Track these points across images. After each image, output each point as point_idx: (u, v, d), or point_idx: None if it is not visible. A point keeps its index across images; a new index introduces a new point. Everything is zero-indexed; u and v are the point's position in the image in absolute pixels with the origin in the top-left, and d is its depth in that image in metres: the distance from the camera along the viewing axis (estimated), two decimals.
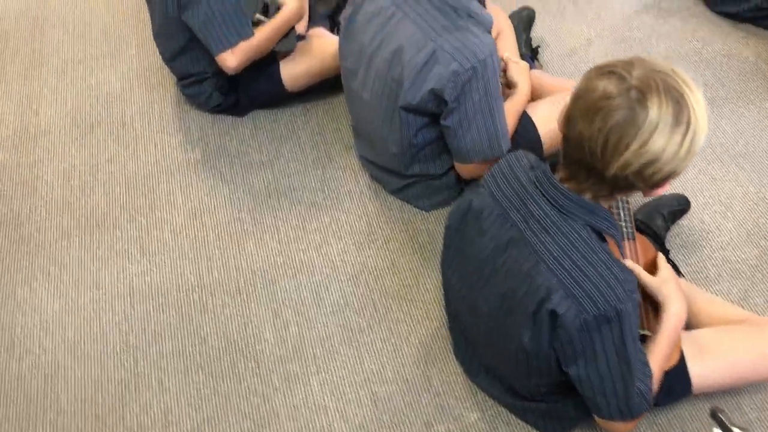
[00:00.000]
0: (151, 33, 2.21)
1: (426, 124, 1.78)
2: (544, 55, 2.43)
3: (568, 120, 1.21)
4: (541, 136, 1.91)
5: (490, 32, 1.70)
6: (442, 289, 1.82)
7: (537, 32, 2.50)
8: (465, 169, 1.86)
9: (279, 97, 2.27)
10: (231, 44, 1.97)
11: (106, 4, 2.71)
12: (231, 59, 1.99)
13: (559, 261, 1.26)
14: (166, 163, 2.19)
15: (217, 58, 2.01)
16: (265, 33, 2.03)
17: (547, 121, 1.91)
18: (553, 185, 1.28)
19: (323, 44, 2.19)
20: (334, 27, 2.50)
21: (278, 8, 2.09)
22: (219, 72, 2.13)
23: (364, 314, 1.84)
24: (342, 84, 2.24)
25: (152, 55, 2.50)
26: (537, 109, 1.93)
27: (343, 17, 1.89)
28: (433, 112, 1.73)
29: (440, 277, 1.90)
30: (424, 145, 1.84)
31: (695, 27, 2.50)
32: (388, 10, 1.72)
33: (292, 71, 2.19)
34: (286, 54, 2.18)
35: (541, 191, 1.30)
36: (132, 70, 2.46)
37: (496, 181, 1.40)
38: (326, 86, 2.30)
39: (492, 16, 1.71)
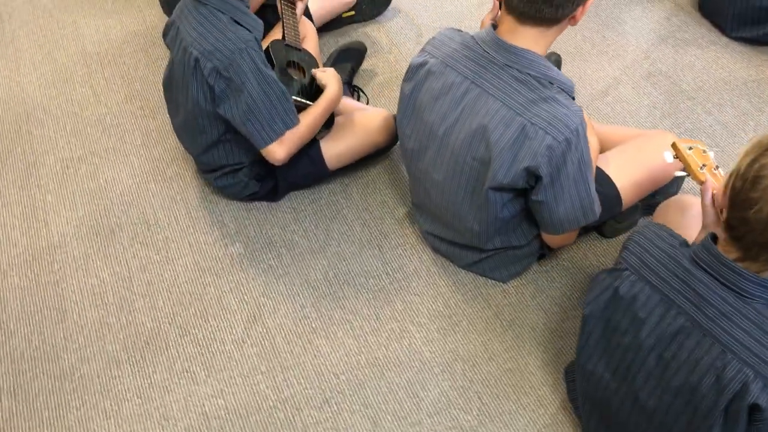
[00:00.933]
0: (162, 122, 2.02)
1: (512, 198, 1.67)
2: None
3: (747, 202, 1.11)
4: (620, 191, 1.82)
5: (573, 96, 1.61)
6: (563, 372, 1.70)
7: None
8: (554, 240, 1.75)
9: (320, 178, 2.11)
10: (278, 135, 1.82)
11: (94, 94, 2.49)
12: (279, 151, 1.83)
13: (749, 349, 1.15)
14: (206, 263, 2.00)
15: (262, 151, 1.85)
16: (311, 119, 1.88)
17: (623, 174, 1.82)
18: (729, 267, 1.17)
19: (366, 118, 2.05)
20: (352, 93, 2.38)
21: (316, 86, 1.96)
22: (257, 160, 1.97)
23: (471, 410, 1.69)
24: (378, 152, 2.14)
25: (161, 145, 2.30)
26: (609, 163, 1.84)
27: (402, 94, 1.76)
28: (524, 187, 1.61)
29: (541, 356, 1.77)
30: (510, 218, 1.72)
31: (716, 55, 2.48)
32: (461, 86, 1.61)
33: (335, 150, 2.04)
34: (326, 132, 2.04)
35: (709, 272, 1.20)
36: (142, 163, 2.26)
37: (645, 263, 1.29)
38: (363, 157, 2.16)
39: (571, 81, 1.62)
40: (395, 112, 2.31)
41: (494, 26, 1.89)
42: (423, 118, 1.69)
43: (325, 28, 2.58)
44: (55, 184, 2.21)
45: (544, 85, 1.55)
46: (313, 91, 1.98)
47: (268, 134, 1.81)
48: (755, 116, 2.28)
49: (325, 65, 2.41)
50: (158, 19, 2.75)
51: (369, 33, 2.66)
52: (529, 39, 1.54)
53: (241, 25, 1.79)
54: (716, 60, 2.46)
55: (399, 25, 2.69)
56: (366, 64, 2.51)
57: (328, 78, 1.96)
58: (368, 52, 2.54)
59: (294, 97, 1.92)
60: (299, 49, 2.07)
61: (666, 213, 1.73)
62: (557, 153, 1.53)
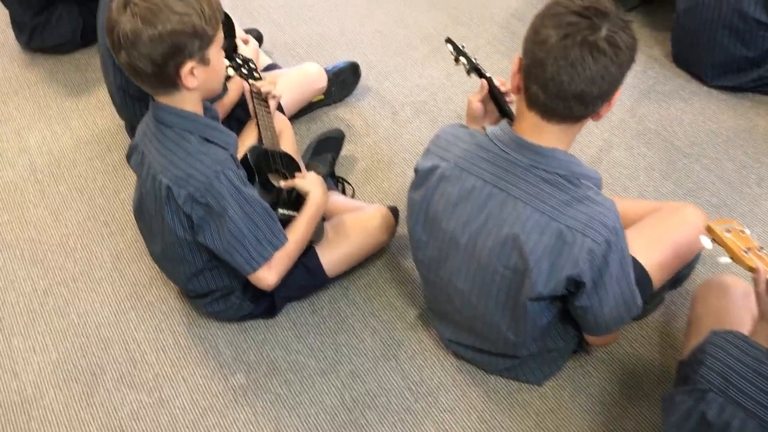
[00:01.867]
0: (133, 238, 1.82)
1: (549, 303, 1.53)
2: None
3: None
4: (649, 273, 1.70)
5: (600, 187, 1.49)
6: None
7: None
8: (598, 340, 1.62)
9: (319, 287, 1.94)
10: (266, 259, 1.64)
11: (51, 213, 2.27)
12: (269, 276, 1.66)
13: None
14: (207, 401, 1.79)
15: (250, 278, 1.67)
16: (298, 233, 1.72)
17: (650, 255, 1.70)
18: None
19: (363, 219, 1.90)
20: (337, 185, 2.23)
21: (298, 193, 1.80)
22: (249, 282, 1.78)
23: None
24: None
25: (135, 265, 2.09)
26: (633, 244, 1.71)
27: (412, 202, 1.61)
28: (564, 294, 1.48)
29: None
30: (547, 323, 1.58)
31: (701, 106, 2.43)
32: (482, 191, 1.47)
33: (333, 256, 1.87)
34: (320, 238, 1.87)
35: None
36: (117, 289, 2.04)
37: (730, 382, 1.16)
38: None
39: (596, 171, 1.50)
40: (387, 204, 2.18)
41: (499, 111, 1.79)
42: (441, 226, 1.55)
43: (294, 115, 2.43)
44: (21, 326, 1.97)
45: (574, 183, 1.42)
46: (297, 198, 1.82)
47: (255, 260, 1.63)
48: (755, 168, 2.22)
49: (303, 157, 2.25)
50: (110, 120, 2.55)
51: (341, 116, 2.52)
52: (553, 137, 1.42)
53: (213, 143, 1.62)
54: (702, 111, 2.41)
55: (371, 104, 2.56)
56: (344, 151, 2.36)
57: (310, 184, 1.80)
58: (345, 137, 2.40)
59: (280, 210, 1.75)
60: (278, 153, 1.91)
61: (706, 297, 1.62)
62: (598, 256, 1.40)
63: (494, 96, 1.78)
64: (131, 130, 2.34)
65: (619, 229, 1.42)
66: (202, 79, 1.54)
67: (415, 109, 2.52)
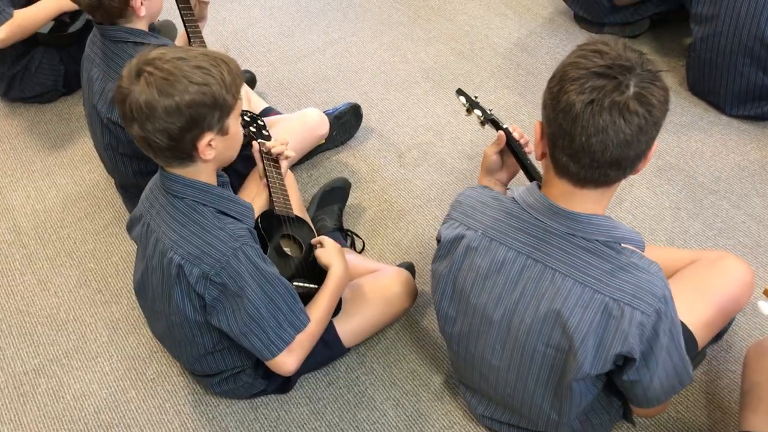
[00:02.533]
0: (129, 306, 1.68)
1: (595, 378, 1.40)
2: None
3: None
4: (693, 334, 1.58)
5: (643, 249, 1.37)
6: None
7: None
8: (648, 412, 1.49)
9: (336, 359, 1.80)
10: (287, 343, 1.50)
11: (39, 282, 2.11)
12: (289, 362, 1.52)
13: None
14: None
15: (269, 364, 1.53)
16: (321, 312, 1.59)
17: (694, 314, 1.58)
18: None
19: (382, 286, 1.76)
20: (346, 238, 2.09)
21: (313, 258, 1.66)
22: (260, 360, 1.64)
23: None
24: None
25: (133, 337, 1.94)
26: (676, 303, 1.60)
27: (437, 275, 1.47)
28: (611, 370, 1.35)
29: None
30: (592, 399, 1.45)
31: (722, 137, 2.32)
32: (515, 263, 1.34)
33: (351, 326, 1.73)
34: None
35: None
36: (115, 366, 1.89)
37: None
38: None
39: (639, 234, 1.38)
40: (401, 258, 2.05)
41: (519, 163, 1.67)
42: (470, 301, 1.41)
43: (296, 162, 2.29)
44: (11, 412, 1.81)
45: (615, 249, 1.30)
46: (314, 266, 1.68)
47: (275, 344, 1.49)
48: None
49: (308, 209, 2.11)
50: (98, 175, 2.40)
51: (344, 161, 2.38)
52: (590, 201, 1.29)
53: (229, 216, 1.48)
54: (724, 143, 2.30)
55: (375, 146, 2.42)
56: (350, 198, 2.22)
57: (330, 255, 1.66)
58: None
59: (295, 283, 1.61)
60: (291, 218, 1.77)
61: (759, 360, 1.50)
62: (648, 328, 1.27)
63: (512, 148, 1.66)
64: (121, 187, 2.20)
65: (668, 297, 1.30)
66: (219, 149, 1.42)
67: (421, 151, 2.38)
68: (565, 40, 2.74)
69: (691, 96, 2.46)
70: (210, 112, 1.36)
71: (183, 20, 2.08)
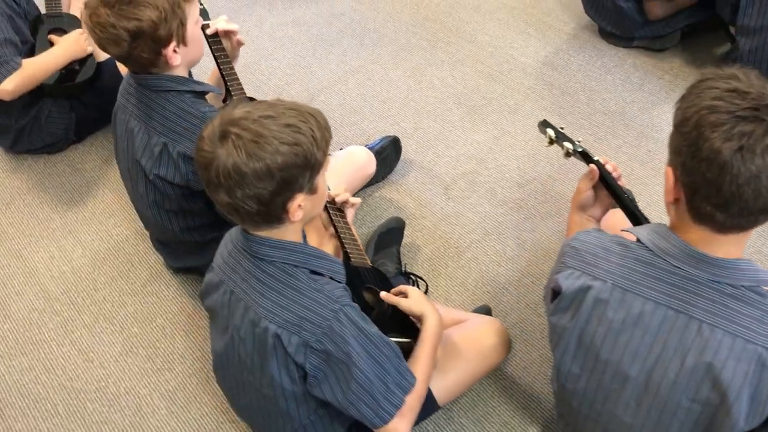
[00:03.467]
0: (188, 371, 1.54)
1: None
2: None
3: None
4: None
5: None
6: None
7: None
8: None
9: (426, 418, 1.68)
10: (397, 407, 1.38)
11: (80, 352, 1.95)
12: (400, 426, 1.40)
13: None
14: None
15: (380, 431, 1.41)
16: (424, 368, 1.47)
17: None
18: None
19: (475, 338, 1.65)
20: (408, 281, 1.98)
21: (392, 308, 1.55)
22: (355, 422, 1.51)
23: None
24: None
25: (194, 406, 1.79)
26: None
27: (558, 329, 1.37)
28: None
29: None
30: None
31: None
32: (654, 316, 1.24)
33: (445, 382, 1.61)
34: None
35: None
36: None
37: None
38: None
39: None
40: (473, 300, 1.95)
41: (614, 197, 1.58)
42: (600, 356, 1.31)
43: None
44: None
45: (762, 294, 1.21)
46: (402, 318, 1.57)
47: (385, 410, 1.37)
48: None
49: (365, 253, 2.00)
50: (126, 228, 2.25)
51: (388, 197, 2.27)
52: (732, 245, 1.21)
53: (323, 275, 1.37)
54: None
55: (417, 179, 2.32)
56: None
57: (420, 305, 1.54)
58: None
59: (389, 338, 1.50)
60: (369, 270, 1.66)
61: None
62: None
63: (607, 182, 1.58)
64: (160, 243, 2.05)
65: None
66: (307, 208, 1.32)
67: (468, 182, 2.29)
68: (594, 57, 2.68)
69: None
70: (302, 172, 1.26)
71: (216, 61, 1.95)
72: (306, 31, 2.97)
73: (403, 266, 2.02)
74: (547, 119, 1.68)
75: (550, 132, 1.65)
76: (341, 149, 2.17)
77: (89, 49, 2.36)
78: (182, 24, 1.66)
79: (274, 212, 1.29)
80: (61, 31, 2.38)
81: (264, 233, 1.34)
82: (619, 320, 1.28)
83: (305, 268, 1.35)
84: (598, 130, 2.41)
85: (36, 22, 2.37)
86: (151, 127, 1.74)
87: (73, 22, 2.43)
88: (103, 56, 2.46)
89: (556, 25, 2.86)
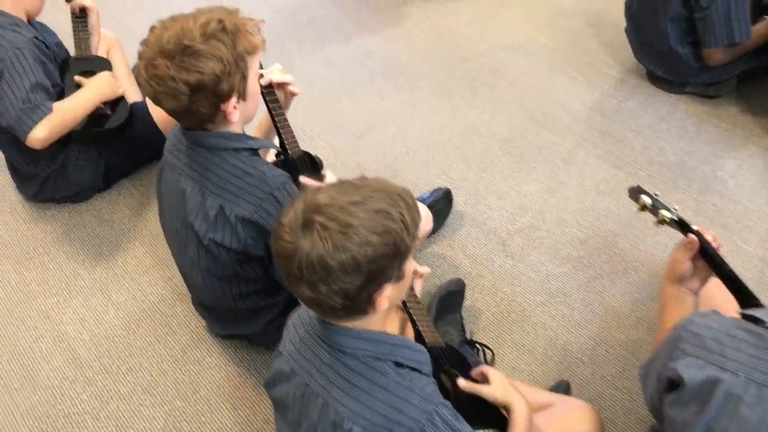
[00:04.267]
0: None
1: None
2: None
3: None
4: None
5: None
6: None
7: None
8: None
9: None
10: None
11: (123, 429, 1.79)
12: None
13: None
14: None
15: None
16: None
17: None
18: None
19: (566, 424, 1.51)
20: (474, 350, 1.84)
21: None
22: None
23: None
24: None
25: None
26: None
27: (680, 423, 1.24)
28: None
29: None
30: None
31: None
32: None
33: None
34: None
35: None
36: None
37: None
38: None
39: None
40: (535, 372, 1.82)
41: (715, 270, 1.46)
42: None
43: None
44: None
45: None
46: (482, 404, 1.43)
47: None
48: None
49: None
50: (162, 288, 2.10)
51: (441, 253, 2.14)
52: None
53: (408, 367, 1.24)
54: None
55: (471, 234, 2.19)
56: None
57: (507, 392, 1.41)
58: None
59: None
60: (444, 350, 1.53)
61: None
62: None
63: (707, 253, 1.46)
64: (204, 307, 1.90)
65: None
66: (394, 297, 1.18)
67: (526, 237, 2.16)
68: (645, 103, 2.58)
69: None
70: (391, 263, 1.13)
71: (270, 113, 1.82)
72: (339, 70, 2.85)
73: (468, 333, 1.88)
74: (641, 185, 1.57)
75: (646, 199, 1.53)
76: None
77: (120, 91, 2.23)
78: (244, 78, 1.53)
79: (360, 306, 1.15)
80: (91, 74, 2.24)
81: (346, 323, 1.20)
82: (755, 420, 1.15)
83: (389, 360, 1.22)
84: (658, 181, 2.30)
85: (64, 64, 2.23)
86: (205, 188, 1.60)
87: (102, 65, 2.29)
88: (132, 99, 2.33)
89: (600, 67, 2.76)
